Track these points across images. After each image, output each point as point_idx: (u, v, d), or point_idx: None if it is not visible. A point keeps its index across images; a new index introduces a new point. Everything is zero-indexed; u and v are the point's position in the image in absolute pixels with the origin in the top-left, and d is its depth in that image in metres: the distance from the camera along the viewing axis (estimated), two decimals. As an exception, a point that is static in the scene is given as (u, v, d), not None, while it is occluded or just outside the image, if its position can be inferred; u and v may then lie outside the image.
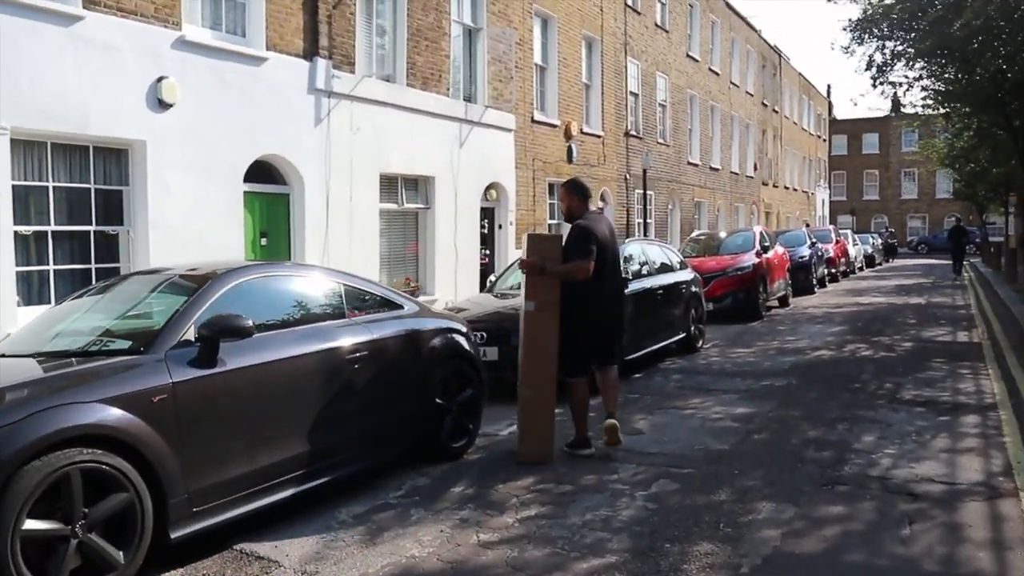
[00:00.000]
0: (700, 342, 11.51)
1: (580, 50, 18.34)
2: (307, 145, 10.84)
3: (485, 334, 8.07)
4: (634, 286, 9.59)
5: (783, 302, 17.61)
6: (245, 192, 10.13)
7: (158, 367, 4.08)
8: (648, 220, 21.98)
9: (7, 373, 4.06)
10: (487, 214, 15.20)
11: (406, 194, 13.00)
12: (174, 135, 9.16)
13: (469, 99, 14.48)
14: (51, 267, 8.43)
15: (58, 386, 3.81)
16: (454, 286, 13.74)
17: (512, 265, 11.22)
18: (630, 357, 9.22)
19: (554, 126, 17.08)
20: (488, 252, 15.28)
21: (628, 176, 20.56)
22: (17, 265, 8.09)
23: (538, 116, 16.51)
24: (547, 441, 5.89)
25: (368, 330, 5.41)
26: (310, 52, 10.82)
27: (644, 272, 10.33)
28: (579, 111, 18.22)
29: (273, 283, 5.24)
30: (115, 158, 8.97)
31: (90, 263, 8.75)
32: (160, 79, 8.96)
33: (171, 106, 9.11)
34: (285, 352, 4.78)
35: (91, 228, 8.75)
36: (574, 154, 17.74)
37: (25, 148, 8.11)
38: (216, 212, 9.64)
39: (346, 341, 5.19)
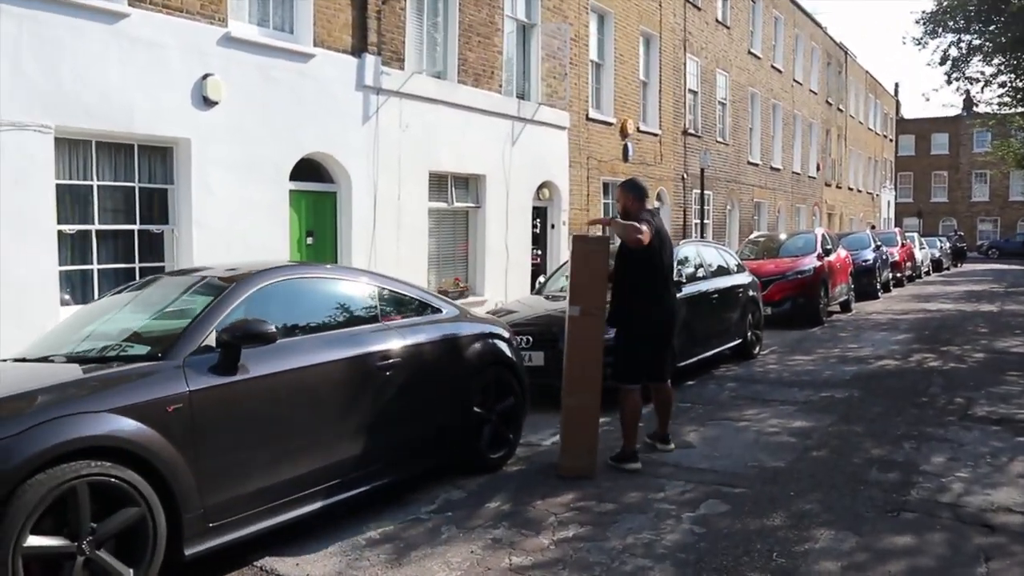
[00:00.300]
0: (757, 349, 11.05)
1: (637, 46, 17.92)
2: (354, 143, 10.69)
3: (531, 338, 7.81)
4: (688, 289, 9.21)
5: (845, 307, 16.94)
6: (291, 191, 10.02)
7: (175, 374, 3.88)
8: (705, 221, 21.43)
9: (18, 379, 3.92)
10: (539, 213, 14.91)
11: (456, 193, 12.78)
12: (219, 133, 9.08)
13: (522, 96, 14.20)
14: (95, 266, 8.41)
15: (69, 395, 3.63)
16: (504, 287, 13.49)
17: (563, 266, 10.94)
18: (682, 364, 8.84)
19: (610, 124, 16.71)
20: (540, 252, 14.99)
21: (685, 175, 20.06)
22: (61, 264, 8.10)
23: (593, 114, 16.15)
24: (590, 454, 5.57)
25: (402, 335, 5.17)
26: (359, 48, 10.66)
27: (699, 275, 9.92)
28: (636, 109, 17.81)
29: (303, 286, 5.03)
30: (160, 156, 8.92)
31: (134, 262, 8.72)
32: (205, 76, 8.88)
33: (216, 104, 9.02)
34: (311, 359, 4.55)
35: (135, 227, 8.71)
36: (630, 152, 17.34)
37: (70, 147, 8.09)
38: (260, 211, 9.53)
39: (377, 347, 4.95)
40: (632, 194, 6.08)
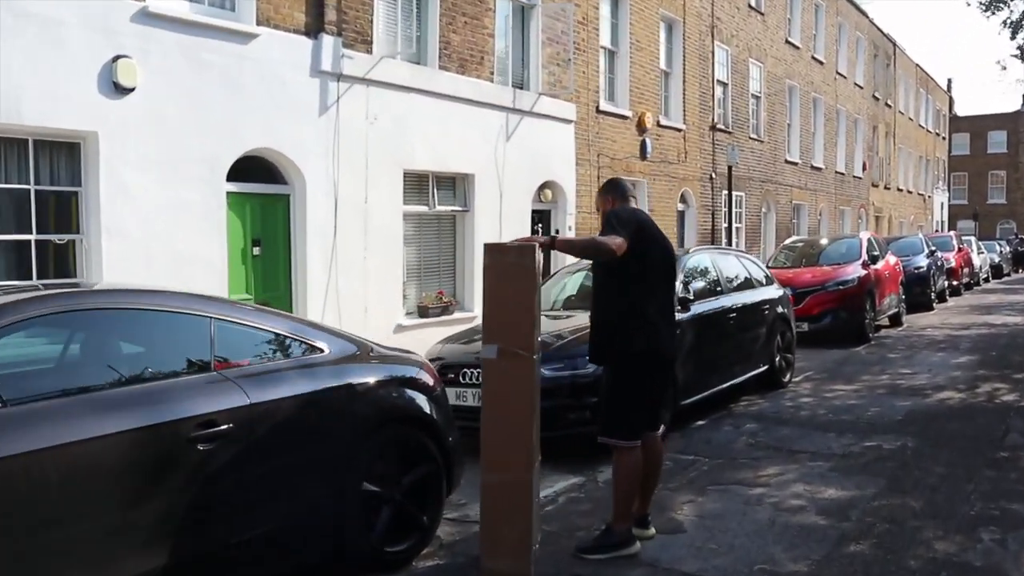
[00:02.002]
0: (787, 376, 9.27)
1: (658, 32, 16.20)
2: (309, 138, 9.16)
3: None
4: (698, 308, 7.53)
5: (895, 321, 15.00)
6: (229, 193, 8.52)
7: None
8: (737, 225, 19.58)
9: None
10: (541, 217, 13.26)
11: (439, 195, 11.20)
12: (134, 126, 7.61)
13: (520, 85, 12.58)
14: (-21, 282, 7.00)
15: None
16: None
17: (556, 274, 9.27)
18: (688, 401, 7.14)
19: (624, 117, 15.00)
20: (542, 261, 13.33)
21: (714, 175, 18.25)
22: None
23: (605, 106, 14.47)
24: (521, 553, 3.91)
25: (244, 390, 3.60)
26: (314, 28, 9.14)
27: (713, 289, 8.20)
28: (656, 101, 16.07)
29: (83, 321, 3.48)
30: (64, 154, 7.49)
31: (31, 278, 7.29)
32: (116, 59, 7.43)
33: (130, 91, 7.55)
34: (70, 433, 3.00)
35: (31, 237, 7.29)
36: (648, 149, 15.61)
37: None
38: (190, 217, 8.05)
39: (194, 410, 3.39)
40: (608, 195, 4.62)
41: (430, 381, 4.56)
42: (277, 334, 3.99)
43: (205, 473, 3.38)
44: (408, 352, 4.83)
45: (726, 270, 8.69)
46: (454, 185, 11.52)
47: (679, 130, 16.93)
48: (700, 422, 7.40)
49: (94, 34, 7.30)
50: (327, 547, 3.92)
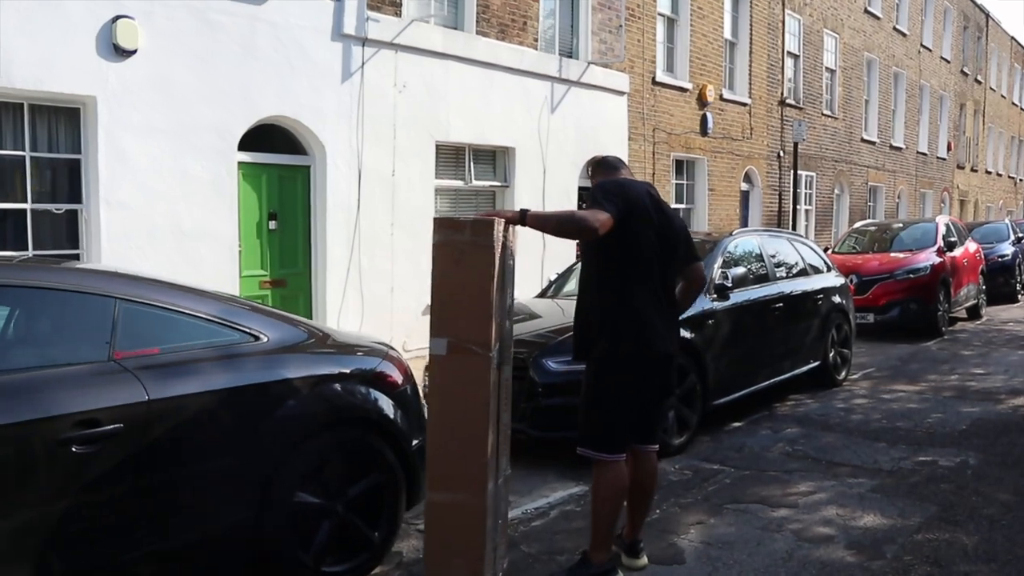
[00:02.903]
0: (843, 373, 8.40)
1: (722, 0, 15.17)
2: (330, 106, 8.65)
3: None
4: (738, 297, 6.76)
5: (973, 314, 13.82)
6: (242, 163, 8.08)
7: None
8: (806, 207, 18.45)
9: None
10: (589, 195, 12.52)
11: (476, 169, 10.59)
12: (135, 91, 7.21)
13: (569, 54, 11.84)
14: (-28, 253, 6.72)
15: None
16: (540, 282, 11.23)
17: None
18: (720, 402, 6.41)
19: (684, 90, 14.09)
20: (590, 242, 12.62)
21: (782, 153, 17.15)
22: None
23: (662, 77, 13.60)
24: (475, 583, 3.31)
25: (140, 384, 3.08)
26: (336, -12, 8.61)
27: (761, 275, 7.41)
28: (719, 73, 15.09)
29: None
30: (65, 120, 7.15)
31: (27, 248, 6.98)
32: (116, 19, 7.02)
33: (131, 54, 7.15)
34: None
35: (26, 206, 6.97)
36: (709, 124, 14.68)
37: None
38: (198, 188, 7.64)
39: (68, 406, 2.89)
40: (597, 177, 3.97)
41: (395, 376, 3.98)
42: (202, 318, 3.45)
43: (83, 481, 2.89)
44: (379, 342, 4.25)
45: (775, 255, 7.86)
46: (493, 159, 10.89)
47: (744, 104, 15.91)
48: (736, 424, 6.66)
49: (94, -8, 6.91)
50: (246, 565, 3.39)
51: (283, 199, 8.58)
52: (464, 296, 3.20)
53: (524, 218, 3.41)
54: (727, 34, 15.48)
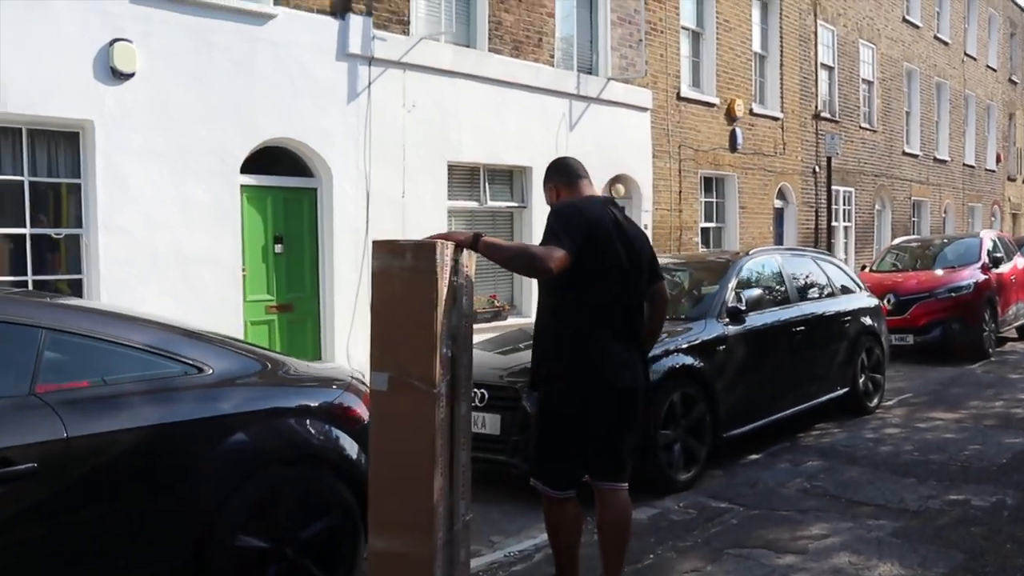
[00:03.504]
0: (875, 400, 7.89)
1: (750, 11, 14.78)
2: (336, 127, 8.47)
3: (485, 393, 5.32)
4: (753, 320, 6.36)
5: (1024, 333, 13.13)
6: (245, 186, 7.93)
7: None
8: (845, 223, 17.85)
9: None
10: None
11: (491, 189, 10.33)
12: (133, 114, 7.10)
13: (589, 70, 11.55)
14: (-36, 279, 6.63)
15: None
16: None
17: None
18: (733, 433, 6.00)
19: (711, 105, 13.70)
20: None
21: (818, 168, 16.60)
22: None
23: (688, 92, 13.23)
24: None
25: (60, 420, 2.84)
26: (340, 8, 8.42)
27: (780, 297, 7.00)
28: (748, 87, 14.66)
29: None
30: (64, 144, 7.06)
31: (25, 274, 6.88)
32: (113, 42, 6.93)
33: (129, 77, 7.05)
34: None
35: (26, 231, 6.88)
36: (739, 140, 14.24)
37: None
38: (199, 212, 7.50)
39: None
40: (551, 182, 3.72)
41: (359, 410, 3.68)
42: (138, 348, 3.20)
43: None
44: (349, 374, 3.96)
45: (797, 275, 7.43)
46: (510, 179, 10.64)
47: (776, 119, 15.44)
48: (753, 456, 6.24)
49: (89, 16, 6.83)
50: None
51: (289, 222, 8.40)
52: (405, 327, 2.91)
53: (476, 243, 3.13)
54: (756, 47, 15.06)
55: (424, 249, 2.92)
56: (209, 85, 7.52)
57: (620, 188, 12.08)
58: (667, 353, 5.51)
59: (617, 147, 11.75)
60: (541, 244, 3.28)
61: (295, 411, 3.48)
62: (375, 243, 3.06)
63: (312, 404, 3.55)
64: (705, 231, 13.93)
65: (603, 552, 3.51)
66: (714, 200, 14.27)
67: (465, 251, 3.17)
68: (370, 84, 8.70)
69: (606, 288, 3.36)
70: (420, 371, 2.88)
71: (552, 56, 10.82)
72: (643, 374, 3.52)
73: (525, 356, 5.73)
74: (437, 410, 2.89)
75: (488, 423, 5.29)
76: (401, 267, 2.91)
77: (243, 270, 7.87)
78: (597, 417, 3.38)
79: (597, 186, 11.33)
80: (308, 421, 3.50)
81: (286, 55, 8.02)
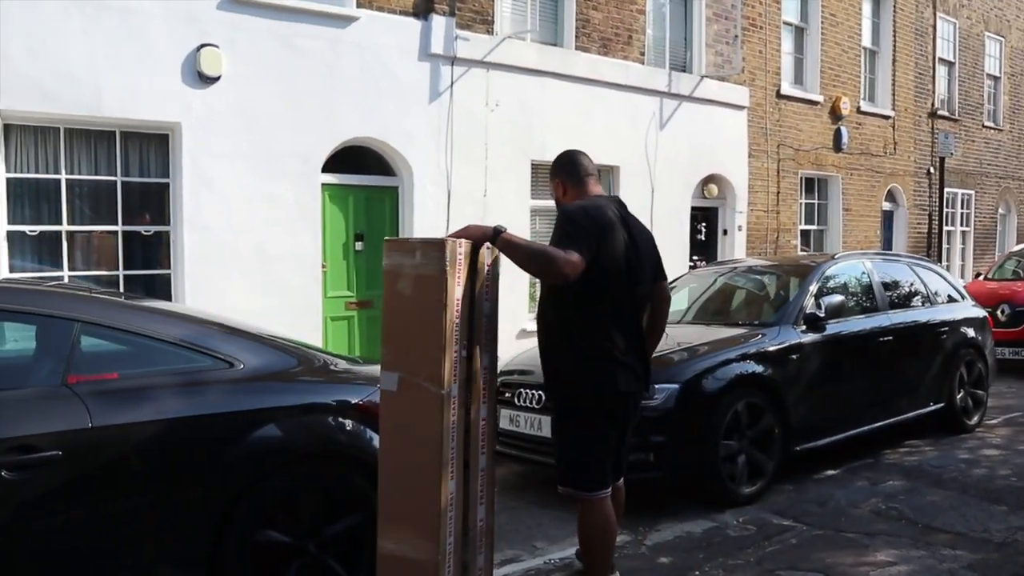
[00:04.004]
0: (975, 418, 7.34)
1: (860, 5, 14.07)
2: (418, 126, 8.54)
3: (540, 395, 5.27)
4: (834, 328, 6.02)
5: None
6: (326, 185, 8.10)
7: None
8: (963, 227, 16.78)
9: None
10: (704, 216, 11.84)
11: (576, 190, 10.18)
12: (218, 117, 7.35)
13: (683, 67, 11.25)
14: (65, 272, 7.01)
15: None
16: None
17: (679, 280, 7.91)
18: (805, 447, 5.68)
19: (814, 103, 13.13)
20: (705, 262, 11.91)
21: (932, 170, 15.67)
22: (20, 269, 6.83)
23: (789, 89, 12.72)
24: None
25: (86, 410, 2.95)
26: (423, 9, 8.49)
27: (868, 304, 6.60)
28: (855, 84, 13.97)
29: None
30: (154, 146, 7.39)
31: (117, 269, 7.24)
32: (200, 47, 7.19)
33: (215, 80, 7.30)
34: None
35: (118, 228, 7.23)
36: (844, 139, 13.59)
37: (34, 135, 6.80)
38: (279, 211, 7.69)
39: (3, 431, 2.79)
40: (559, 177, 3.66)
41: (363, 405, 3.65)
42: (170, 342, 3.28)
43: (11, 508, 2.77)
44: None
45: (888, 282, 7.00)
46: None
47: (886, 117, 14.65)
48: (830, 472, 5.90)
49: (177, 24, 7.11)
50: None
51: (370, 220, 8.53)
52: (415, 327, 2.86)
53: (496, 239, 3.07)
54: (866, 42, 14.34)
55: (433, 248, 2.87)
56: (293, 87, 7.71)
57: (713, 188, 11.73)
58: (732, 360, 5.28)
59: (711, 146, 11.41)
60: (552, 245, 3.19)
61: (325, 408, 3.49)
62: (387, 241, 3.03)
63: (345, 401, 3.54)
64: (805, 234, 13.37)
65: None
66: (815, 202, 13.67)
67: (485, 248, 3.10)
68: (452, 84, 8.73)
69: (617, 295, 3.36)
70: (428, 372, 2.83)
71: (642, 53, 10.60)
72: (645, 375, 3.56)
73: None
74: (447, 412, 2.83)
75: (544, 426, 5.19)
76: (411, 266, 2.86)
77: (323, 265, 8.04)
78: (616, 423, 3.43)
79: (687, 187, 11.08)
80: (339, 418, 3.50)
81: (369, 56, 8.14)
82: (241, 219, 7.51)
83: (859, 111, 13.95)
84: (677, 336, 5.81)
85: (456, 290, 2.86)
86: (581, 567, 3.83)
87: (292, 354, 3.64)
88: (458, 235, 3.07)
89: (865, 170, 14.18)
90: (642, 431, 4.86)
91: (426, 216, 8.66)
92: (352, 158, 8.34)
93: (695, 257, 11.57)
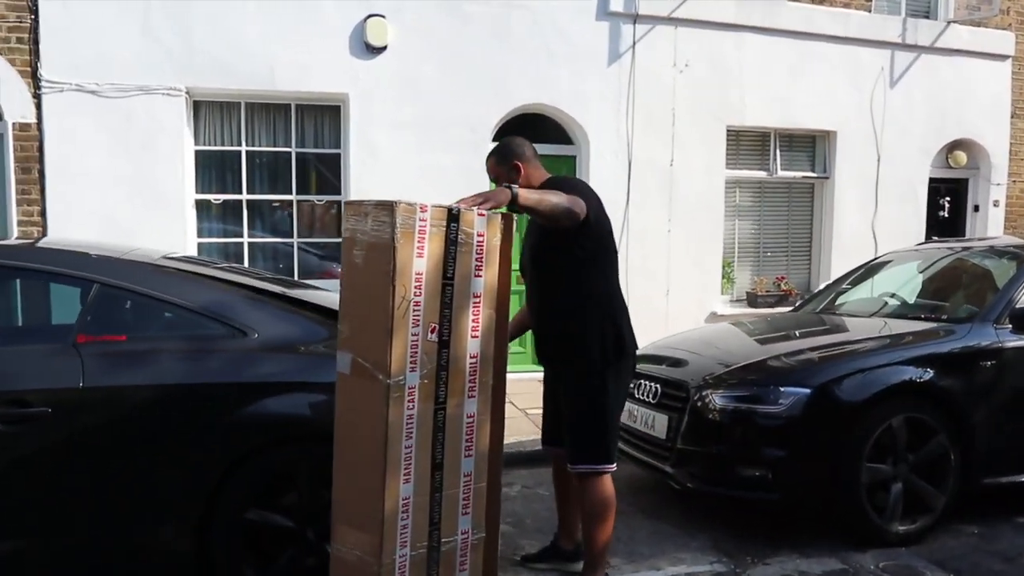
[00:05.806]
0: None
1: None
2: (594, 91, 8.04)
3: (658, 388, 4.67)
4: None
5: None
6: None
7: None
8: None
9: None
10: (948, 188, 10.16)
11: (783, 157, 9.15)
12: (384, 86, 7.40)
13: (926, 13, 9.68)
14: (245, 239, 7.46)
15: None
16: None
17: (860, 270, 6.56)
18: (997, 481, 4.54)
19: (1109, 50, 10.75)
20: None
21: None
22: (209, 236, 7.36)
23: (1072, 35, 10.50)
24: None
25: (81, 369, 2.95)
26: (602, -37, 7.94)
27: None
28: None
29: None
30: (327, 117, 7.60)
31: (291, 237, 7.58)
32: (367, 18, 7.24)
33: (381, 51, 7.34)
34: None
35: (292, 197, 7.54)
36: None
37: (220, 110, 7.33)
38: (445, 180, 7.58)
39: (3, 384, 2.90)
40: (514, 160, 3.42)
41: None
42: (183, 308, 3.18)
43: (3, 459, 2.87)
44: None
45: None
46: (811, 145, 9.34)
47: None
48: (1022, 520, 4.70)
49: (343, -2, 7.19)
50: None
51: (543, 192, 8.20)
52: (364, 303, 2.49)
53: (515, 198, 2.77)
54: None
55: (383, 211, 2.44)
56: (459, 54, 7.55)
57: (960, 156, 10.01)
58: (891, 364, 4.31)
59: (957, 105, 9.72)
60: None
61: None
62: (346, 204, 2.70)
63: (295, 380, 3.25)
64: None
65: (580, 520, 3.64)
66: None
67: (479, 218, 2.65)
68: (634, 44, 8.12)
69: (615, 262, 3.50)
70: (374, 356, 2.45)
71: (868, 0, 9.21)
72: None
73: (717, 354, 4.92)
74: (394, 405, 2.44)
75: (656, 424, 4.60)
76: (363, 232, 2.48)
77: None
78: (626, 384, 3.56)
79: (926, 155, 9.54)
80: (290, 394, 3.22)
81: (542, 19, 7.78)
82: (405, 187, 7.47)
83: None
84: (835, 331, 4.92)
85: (415, 262, 2.44)
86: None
87: (327, 327, 3.41)
88: (470, 202, 2.67)
89: None
90: (757, 442, 4.16)
91: (605, 187, 8.04)
92: (530, 126, 8.02)
93: (934, 237, 9.98)
